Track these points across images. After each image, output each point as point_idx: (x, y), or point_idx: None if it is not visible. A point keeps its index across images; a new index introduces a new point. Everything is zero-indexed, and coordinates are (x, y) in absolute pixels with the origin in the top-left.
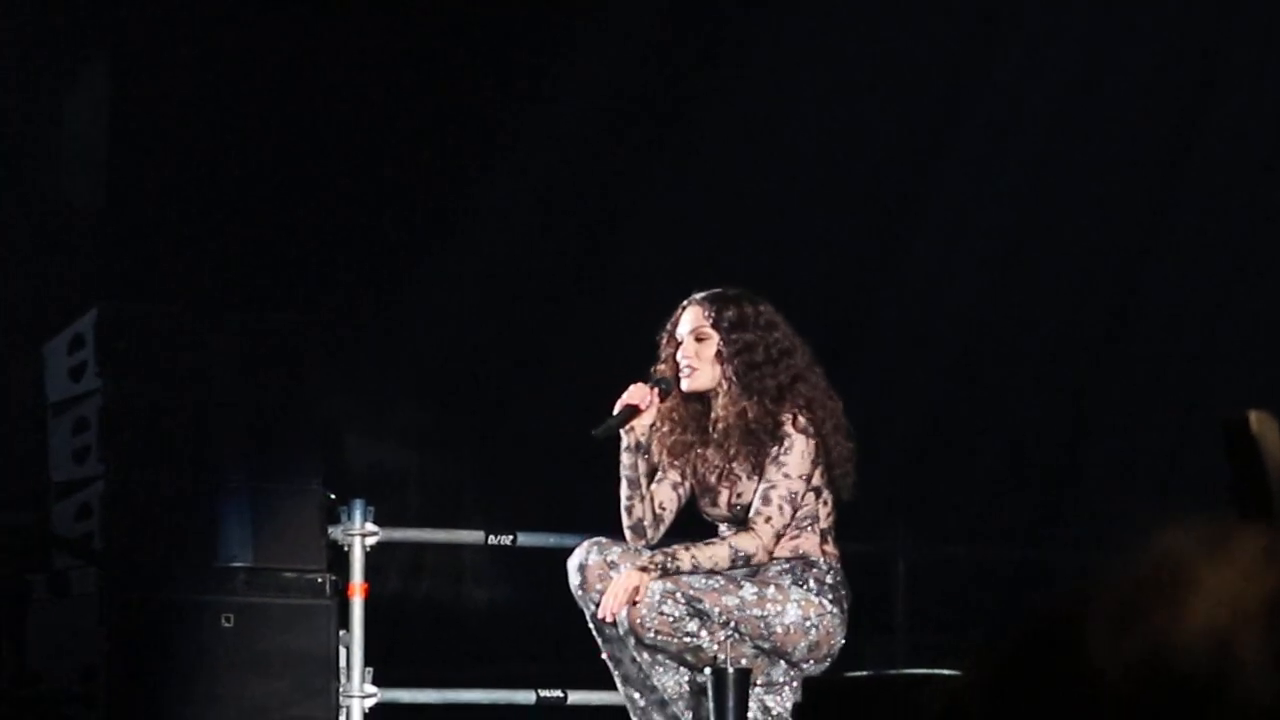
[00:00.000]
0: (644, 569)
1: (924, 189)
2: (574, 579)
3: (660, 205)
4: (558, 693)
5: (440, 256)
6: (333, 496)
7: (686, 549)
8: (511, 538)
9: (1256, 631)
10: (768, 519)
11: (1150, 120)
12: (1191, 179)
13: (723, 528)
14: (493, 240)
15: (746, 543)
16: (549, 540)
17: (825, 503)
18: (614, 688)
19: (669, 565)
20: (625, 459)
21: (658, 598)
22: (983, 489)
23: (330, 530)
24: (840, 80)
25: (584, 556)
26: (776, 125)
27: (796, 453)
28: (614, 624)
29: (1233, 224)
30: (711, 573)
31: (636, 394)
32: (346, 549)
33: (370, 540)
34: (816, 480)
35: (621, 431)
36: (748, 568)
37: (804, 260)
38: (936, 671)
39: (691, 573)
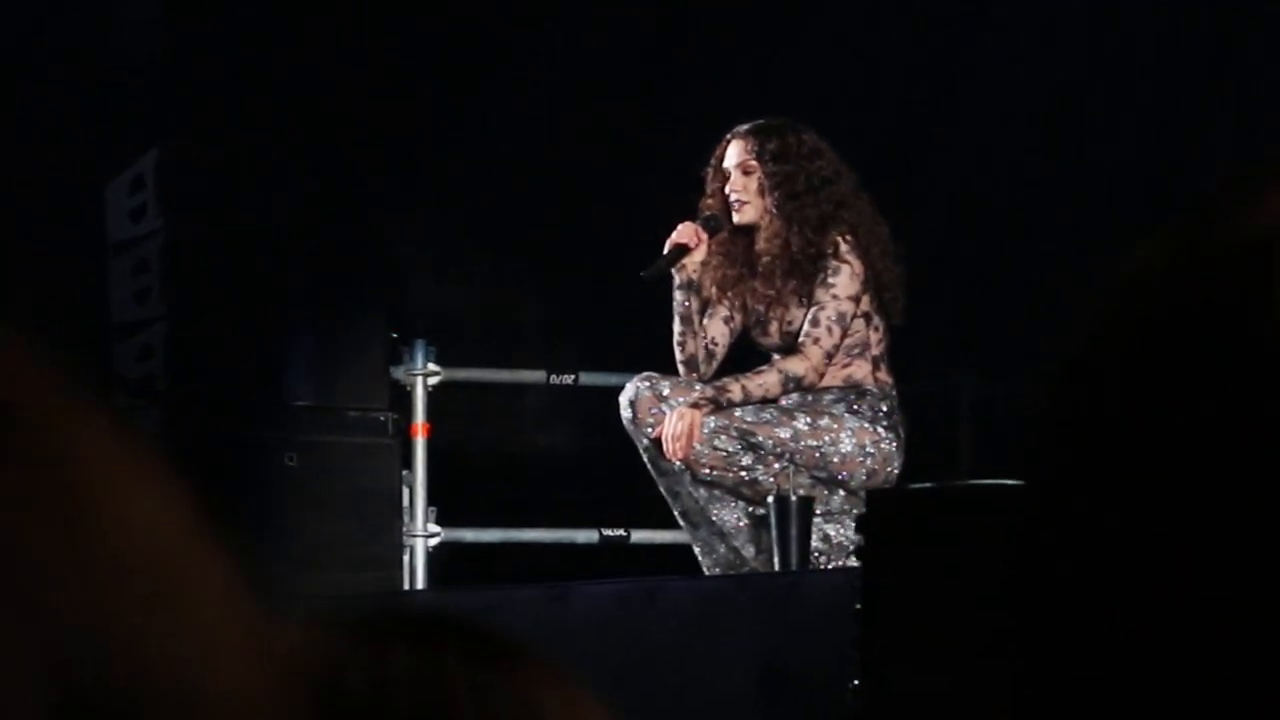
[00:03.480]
0: (695, 405)
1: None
2: (625, 413)
3: (713, 47)
4: (620, 531)
5: (504, 102)
6: (395, 336)
7: (736, 380)
8: (573, 377)
9: None
10: (816, 340)
11: None
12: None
13: (775, 357)
14: (554, 87)
15: (796, 365)
16: (610, 380)
17: (876, 329)
18: (677, 527)
19: (720, 399)
20: (677, 296)
21: (710, 433)
22: (1051, 324)
23: (393, 370)
24: None
25: (635, 391)
26: None
27: (844, 275)
28: (669, 459)
29: None
30: (764, 402)
31: (685, 233)
32: (409, 389)
33: (432, 380)
34: (865, 306)
35: (673, 270)
36: (800, 393)
37: (864, 88)
38: (1002, 482)
39: (744, 403)
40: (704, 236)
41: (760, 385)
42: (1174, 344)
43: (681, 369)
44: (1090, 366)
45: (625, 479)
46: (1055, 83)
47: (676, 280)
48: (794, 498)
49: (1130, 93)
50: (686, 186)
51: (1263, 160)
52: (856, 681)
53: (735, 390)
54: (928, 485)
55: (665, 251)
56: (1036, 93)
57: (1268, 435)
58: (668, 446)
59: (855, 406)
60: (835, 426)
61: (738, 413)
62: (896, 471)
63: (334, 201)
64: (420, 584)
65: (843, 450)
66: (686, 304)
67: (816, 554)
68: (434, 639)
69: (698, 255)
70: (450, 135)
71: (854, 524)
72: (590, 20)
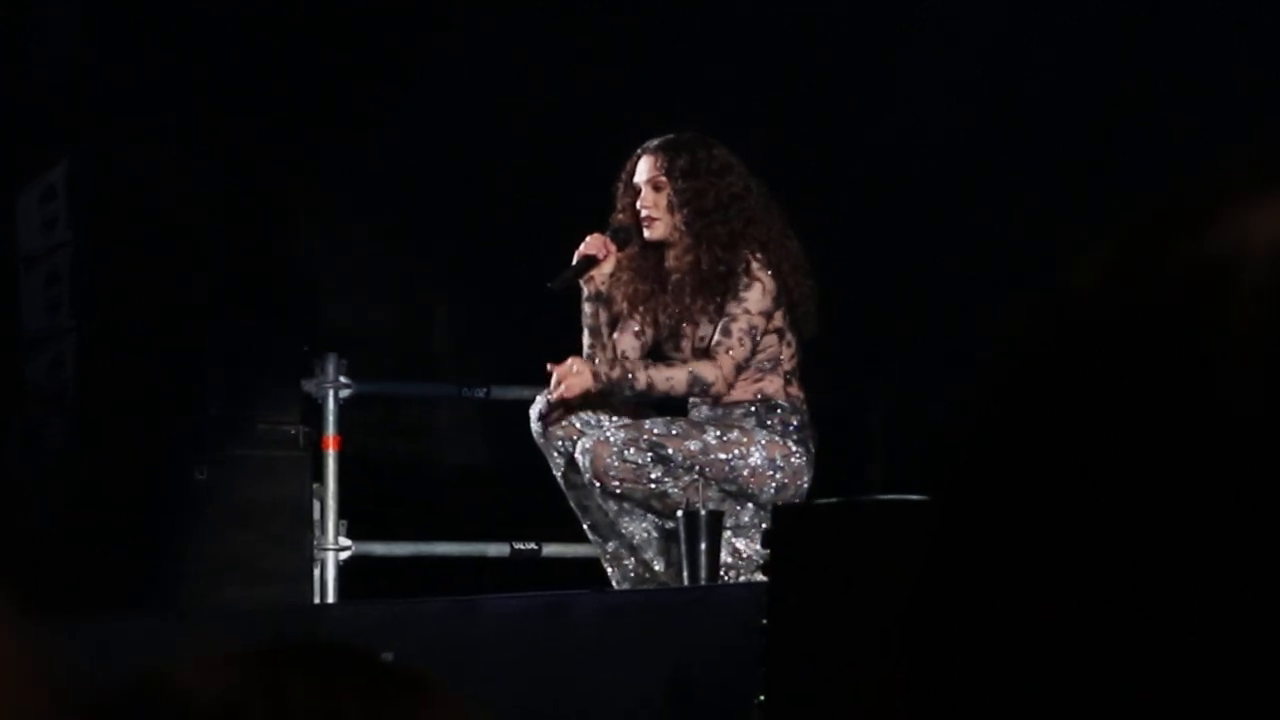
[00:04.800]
0: (595, 374)
1: (905, 20)
2: (535, 426)
3: (625, 62)
4: (531, 545)
5: (414, 117)
6: (307, 349)
7: (646, 367)
8: (485, 390)
9: None
10: (728, 350)
11: None
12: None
13: (690, 360)
14: (464, 100)
15: (707, 370)
16: (521, 393)
17: (789, 344)
18: (588, 541)
19: (622, 381)
20: (586, 308)
21: (620, 446)
22: (963, 337)
23: (304, 383)
24: None
25: (544, 404)
26: None
27: (755, 291)
28: (579, 472)
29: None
30: (669, 399)
31: (594, 244)
32: (320, 402)
33: (344, 393)
34: (778, 322)
35: (581, 282)
36: (709, 406)
37: (777, 100)
38: (908, 497)
39: (646, 391)
40: (612, 248)
41: (667, 379)
42: (1122, 357)
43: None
44: (1031, 373)
45: (536, 492)
46: (967, 97)
47: (585, 292)
48: (703, 512)
49: (1043, 111)
50: (598, 200)
51: (1215, 174)
52: (762, 696)
53: (641, 377)
54: (833, 500)
55: (574, 262)
56: (948, 106)
57: (1216, 459)
58: (553, 385)
59: (766, 420)
60: (745, 440)
61: (647, 425)
62: (807, 486)
63: (246, 214)
64: (330, 597)
65: (752, 464)
66: (595, 316)
67: (726, 568)
68: (330, 670)
69: (606, 267)
70: (363, 148)
71: (762, 538)
72: (501, 36)
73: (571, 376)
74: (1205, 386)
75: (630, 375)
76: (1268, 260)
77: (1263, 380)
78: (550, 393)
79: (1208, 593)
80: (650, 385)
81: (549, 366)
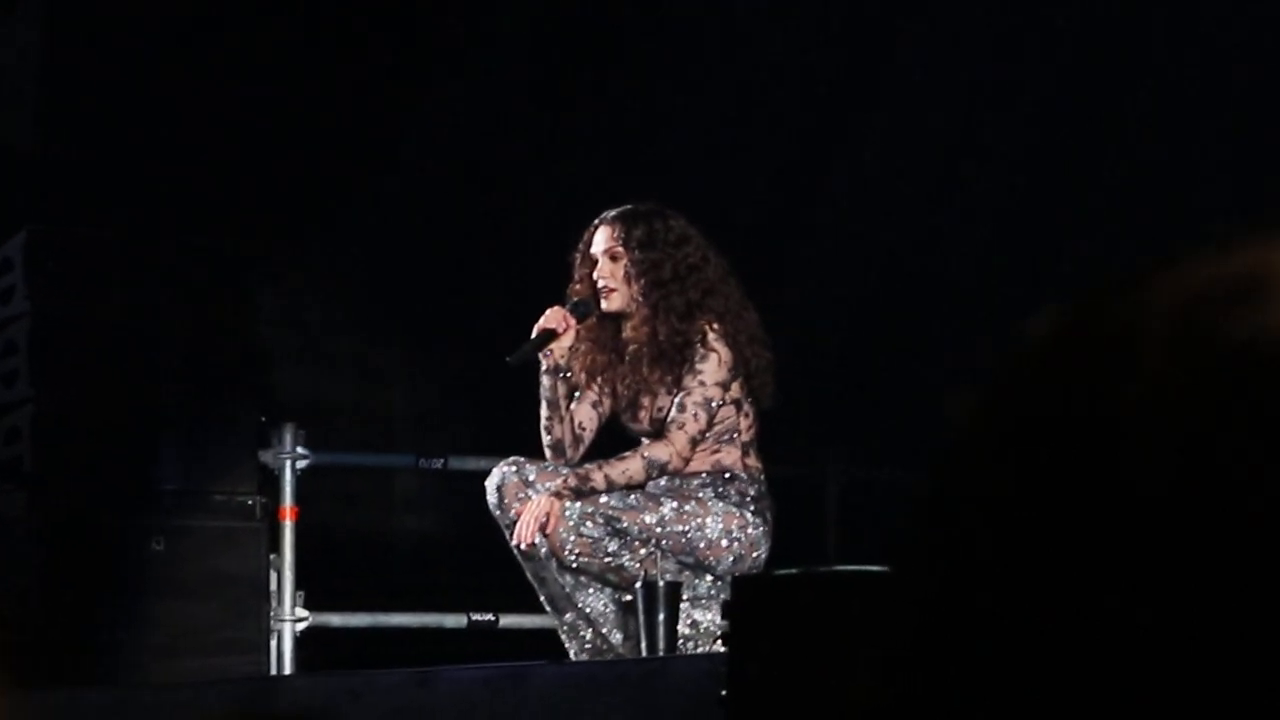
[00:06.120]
0: (557, 494)
1: (864, 97)
2: (491, 498)
3: (582, 136)
4: (489, 616)
5: (370, 188)
6: (264, 420)
7: (599, 468)
8: (442, 462)
9: None
10: (681, 425)
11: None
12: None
13: (644, 441)
14: (423, 172)
15: (660, 451)
16: (478, 464)
17: (746, 415)
18: (545, 612)
19: (583, 488)
20: (544, 381)
21: (576, 519)
22: (920, 408)
23: (261, 454)
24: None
25: (501, 476)
26: (705, 50)
27: (711, 362)
28: (535, 546)
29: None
30: (629, 489)
31: (553, 318)
32: (277, 472)
33: (301, 464)
34: (736, 393)
35: (540, 355)
36: (665, 477)
37: (735, 167)
38: (868, 569)
39: (608, 490)
40: (572, 322)
41: (624, 472)
42: (1053, 427)
43: (548, 453)
44: (980, 446)
45: (494, 563)
46: (926, 172)
47: (543, 365)
48: (661, 583)
49: (999, 185)
50: (555, 271)
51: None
52: None
53: (598, 478)
54: (793, 570)
55: (533, 336)
56: (907, 181)
57: (1131, 522)
58: (517, 531)
59: (723, 491)
60: (702, 511)
61: (604, 498)
62: (764, 556)
63: (203, 284)
64: (287, 668)
65: (709, 535)
66: (553, 389)
67: (684, 639)
68: None
69: (565, 340)
70: (321, 219)
71: (721, 609)
72: (462, 108)
73: (538, 511)
74: (1109, 461)
75: (588, 479)
76: (1161, 340)
77: (1158, 454)
78: (525, 539)
79: (1143, 658)
80: (609, 482)
81: (518, 512)
